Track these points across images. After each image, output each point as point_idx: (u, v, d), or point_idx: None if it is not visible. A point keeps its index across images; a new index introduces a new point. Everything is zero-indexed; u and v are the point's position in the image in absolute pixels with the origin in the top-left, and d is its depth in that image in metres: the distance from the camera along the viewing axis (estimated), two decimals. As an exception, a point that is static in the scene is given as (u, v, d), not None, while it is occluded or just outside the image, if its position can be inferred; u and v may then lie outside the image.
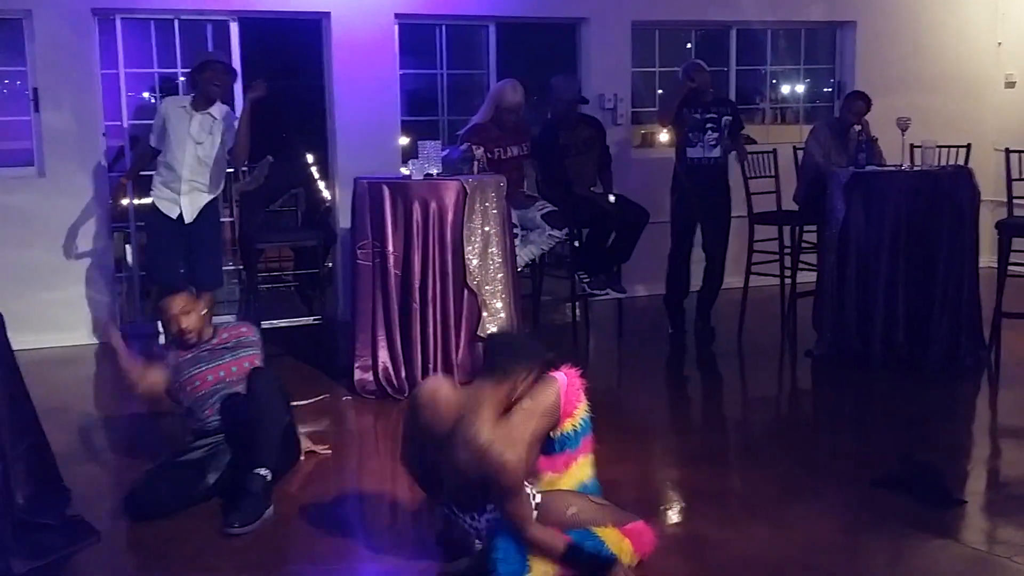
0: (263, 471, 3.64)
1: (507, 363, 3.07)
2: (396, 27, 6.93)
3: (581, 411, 3.22)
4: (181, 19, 6.60)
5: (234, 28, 6.64)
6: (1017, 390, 5.32)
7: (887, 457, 4.17)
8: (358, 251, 5.21)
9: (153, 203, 5.59)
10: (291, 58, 7.90)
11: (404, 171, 5.46)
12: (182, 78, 6.56)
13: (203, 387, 3.98)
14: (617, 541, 3.06)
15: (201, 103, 5.47)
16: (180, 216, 5.50)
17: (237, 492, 3.63)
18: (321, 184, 7.58)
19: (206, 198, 5.55)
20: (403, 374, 5.14)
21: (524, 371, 3.08)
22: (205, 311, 4.16)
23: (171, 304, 4.06)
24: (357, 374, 5.19)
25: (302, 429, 4.31)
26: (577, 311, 6.61)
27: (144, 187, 6.92)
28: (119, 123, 6.65)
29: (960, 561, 3.33)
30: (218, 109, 5.51)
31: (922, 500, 3.71)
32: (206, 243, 5.62)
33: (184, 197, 5.49)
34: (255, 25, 6.89)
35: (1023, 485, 4.07)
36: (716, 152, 6.31)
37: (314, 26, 6.92)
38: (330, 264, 7.26)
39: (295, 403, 4.76)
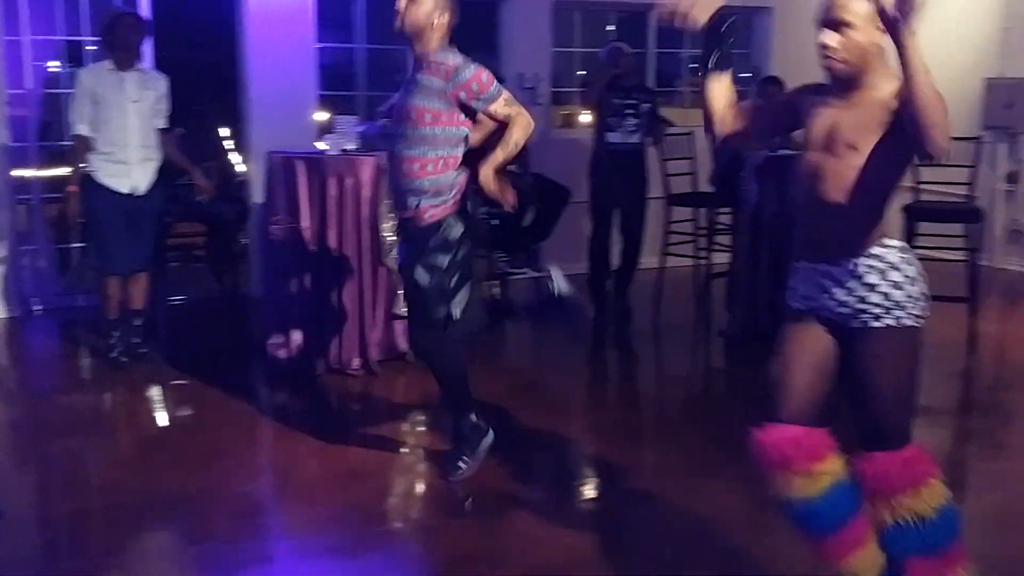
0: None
1: None
2: (313, -1, 6.79)
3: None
4: (89, -16, 6.37)
5: (145, -5, 6.44)
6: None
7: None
8: (271, 226, 5.13)
9: (95, 181, 5.00)
10: (205, 26, 7.68)
11: (320, 146, 5.38)
12: (90, 47, 6.33)
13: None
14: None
15: (124, 61, 5.03)
16: (130, 191, 5.02)
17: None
18: (235, 157, 7.42)
19: (155, 166, 5.12)
20: (317, 351, 5.08)
21: None
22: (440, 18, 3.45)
23: None
24: (270, 351, 5.11)
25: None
26: (495, 290, 6.61)
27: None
28: (21, 91, 6.41)
29: (862, 533, 3.43)
30: (145, 68, 5.21)
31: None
32: (151, 218, 5.17)
33: (136, 167, 5.02)
34: (167, -8, 6.69)
35: (923, 460, 4.21)
36: (635, 138, 6.35)
37: (229, -6, 6.75)
38: (244, 239, 7.12)
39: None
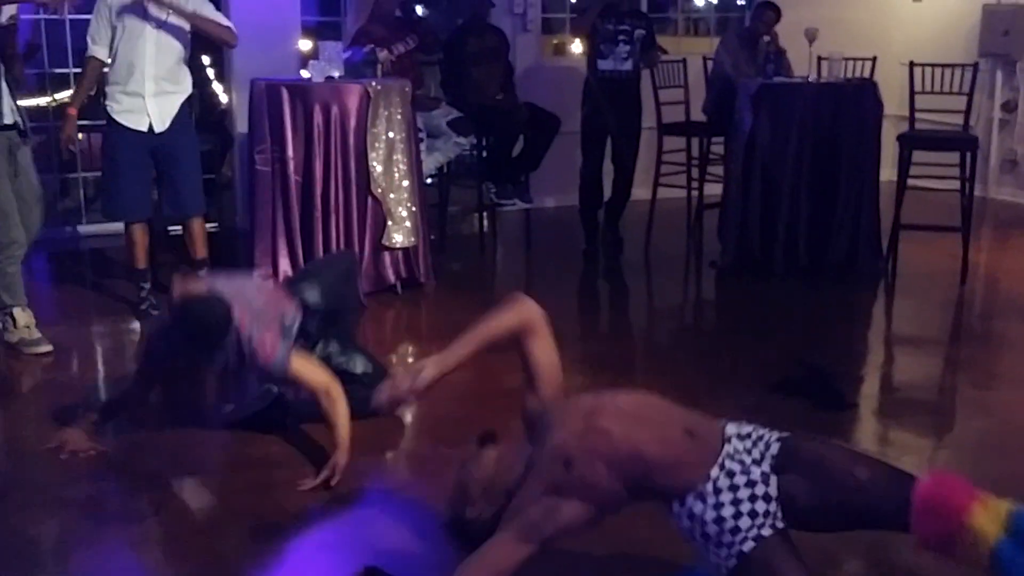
0: None
1: None
2: (296, -80, 6.59)
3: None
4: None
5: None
6: (911, 299, 5.47)
7: (785, 362, 4.25)
8: (256, 156, 5.04)
9: (111, 116, 4.65)
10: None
11: (305, 73, 5.26)
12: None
13: None
14: None
15: None
16: (149, 128, 4.64)
17: None
18: (216, 86, 7.26)
19: (178, 100, 4.69)
20: (305, 283, 5.02)
21: None
22: None
23: None
24: (257, 283, 5.05)
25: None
26: (484, 221, 6.53)
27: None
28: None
29: (851, 462, 3.43)
30: None
31: (817, 403, 3.81)
32: (183, 158, 4.73)
33: (151, 100, 4.60)
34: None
35: (912, 389, 4.21)
36: (628, 65, 6.18)
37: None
38: (227, 171, 7.01)
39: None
